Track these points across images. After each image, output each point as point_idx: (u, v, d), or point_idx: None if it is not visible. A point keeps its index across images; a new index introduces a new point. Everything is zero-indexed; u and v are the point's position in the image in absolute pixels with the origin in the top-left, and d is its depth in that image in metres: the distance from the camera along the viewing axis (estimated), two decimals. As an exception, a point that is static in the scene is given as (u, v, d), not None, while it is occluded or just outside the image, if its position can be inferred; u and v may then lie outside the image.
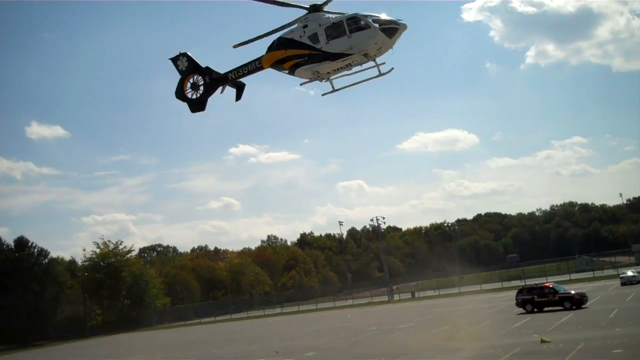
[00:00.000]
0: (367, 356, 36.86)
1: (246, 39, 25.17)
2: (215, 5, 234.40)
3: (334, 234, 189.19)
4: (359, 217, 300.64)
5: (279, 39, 24.93)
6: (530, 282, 76.64)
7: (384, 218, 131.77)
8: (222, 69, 26.13)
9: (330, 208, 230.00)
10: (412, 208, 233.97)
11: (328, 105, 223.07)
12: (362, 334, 51.49)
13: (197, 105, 26.55)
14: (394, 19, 23.45)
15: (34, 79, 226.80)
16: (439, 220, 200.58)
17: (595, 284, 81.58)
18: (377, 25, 23.09)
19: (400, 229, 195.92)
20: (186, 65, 26.67)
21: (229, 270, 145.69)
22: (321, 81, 24.95)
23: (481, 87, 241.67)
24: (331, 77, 24.86)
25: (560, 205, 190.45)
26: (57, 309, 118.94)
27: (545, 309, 51.93)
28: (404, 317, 64.43)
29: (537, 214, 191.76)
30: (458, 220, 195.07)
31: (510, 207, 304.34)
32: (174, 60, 26.89)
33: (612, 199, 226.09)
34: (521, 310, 53.44)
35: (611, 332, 34.74)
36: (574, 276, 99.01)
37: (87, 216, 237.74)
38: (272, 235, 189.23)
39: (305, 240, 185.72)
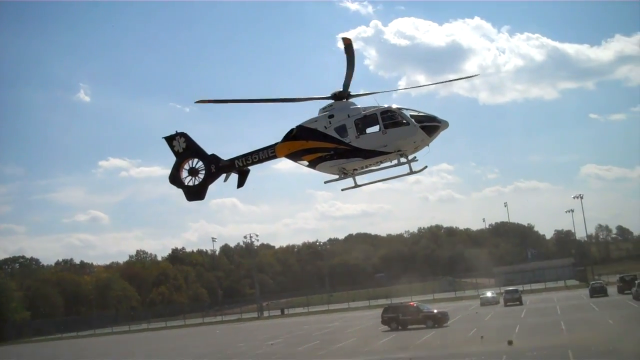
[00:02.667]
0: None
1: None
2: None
3: (207, 250, 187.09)
4: (232, 234, 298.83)
5: (299, 127, 21.89)
6: (396, 300, 78.72)
7: (257, 235, 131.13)
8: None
9: (203, 224, 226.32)
10: (285, 227, 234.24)
11: (201, 122, 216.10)
12: (229, 350, 51.20)
13: (195, 194, 23.20)
14: (433, 114, 20.88)
15: None
16: (311, 239, 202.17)
17: (457, 304, 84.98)
18: (414, 121, 20.41)
19: (273, 247, 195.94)
20: (183, 147, 23.24)
21: (95, 284, 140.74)
22: (345, 178, 22.00)
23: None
24: (356, 173, 21.88)
25: (427, 228, 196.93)
26: None
27: (409, 326, 53.54)
28: (273, 334, 64.57)
29: (405, 235, 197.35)
30: (330, 240, 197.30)
31: (380, 228, 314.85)
32: (169, 139, 23.46)
33: (475, 224, 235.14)
34: (386, 328, 54.78)
35: (469, 349, 36.36)
36: (437, 296, 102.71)
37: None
38: (141, 250, 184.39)
39: (177, 256, 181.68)
